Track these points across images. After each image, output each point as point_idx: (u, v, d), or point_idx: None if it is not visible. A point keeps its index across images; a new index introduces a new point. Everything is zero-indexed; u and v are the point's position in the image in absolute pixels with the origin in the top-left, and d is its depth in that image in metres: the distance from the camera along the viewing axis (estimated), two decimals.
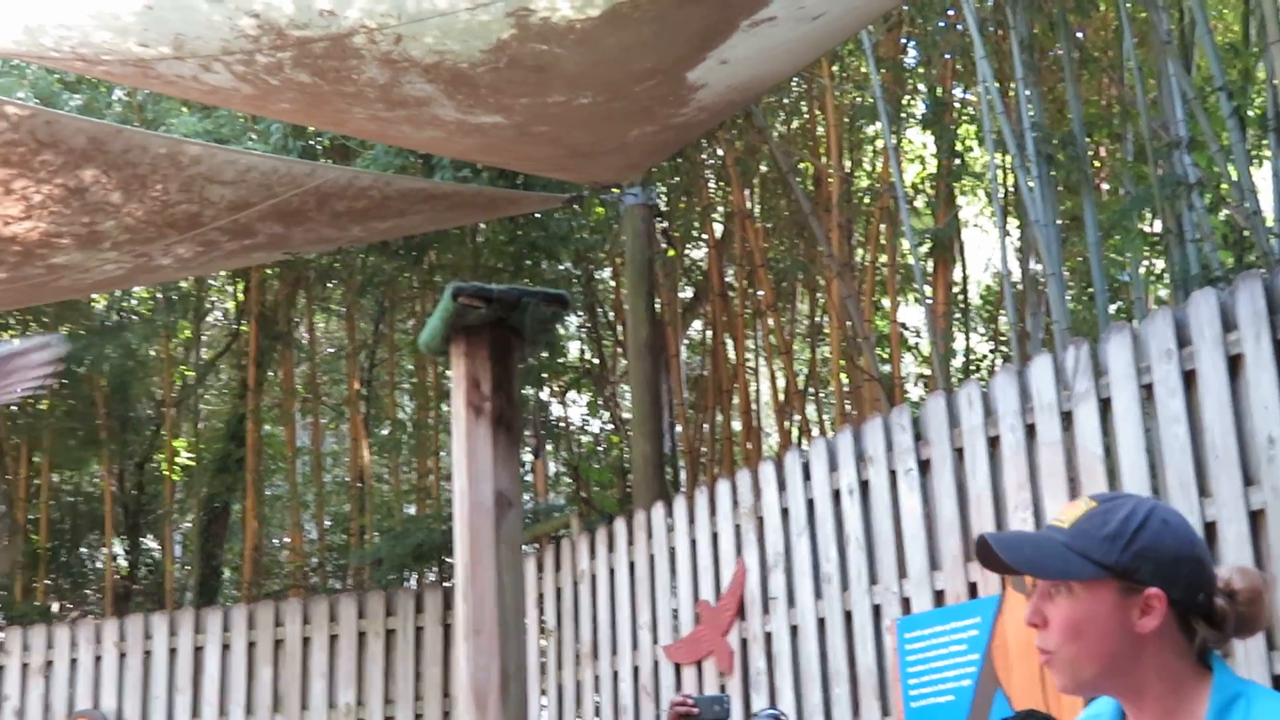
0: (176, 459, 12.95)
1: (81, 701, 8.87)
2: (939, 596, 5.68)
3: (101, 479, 12.96)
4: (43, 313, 11.50)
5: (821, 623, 6.23)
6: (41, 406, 12.31)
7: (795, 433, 12.20)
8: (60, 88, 9.32)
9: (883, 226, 11.30)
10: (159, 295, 12.32)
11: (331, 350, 14.29)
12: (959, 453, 5.69)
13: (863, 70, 10.87)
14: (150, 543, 13.89)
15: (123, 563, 13.37)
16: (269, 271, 11.56)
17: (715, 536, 6.95)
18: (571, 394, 13.87)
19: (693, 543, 7.10)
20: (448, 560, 11.07)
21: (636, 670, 7.44)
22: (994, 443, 5.54)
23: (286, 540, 13.67)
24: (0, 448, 12.41)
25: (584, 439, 13.97)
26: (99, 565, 13.44)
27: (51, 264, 7.22)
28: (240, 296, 12.59)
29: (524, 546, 6.01)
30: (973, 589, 5.50)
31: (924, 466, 5.84)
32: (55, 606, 13.20)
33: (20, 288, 7.54)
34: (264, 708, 8.76)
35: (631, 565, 7.57)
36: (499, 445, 4.80)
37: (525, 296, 4.77)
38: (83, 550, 14.17)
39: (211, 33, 5.16)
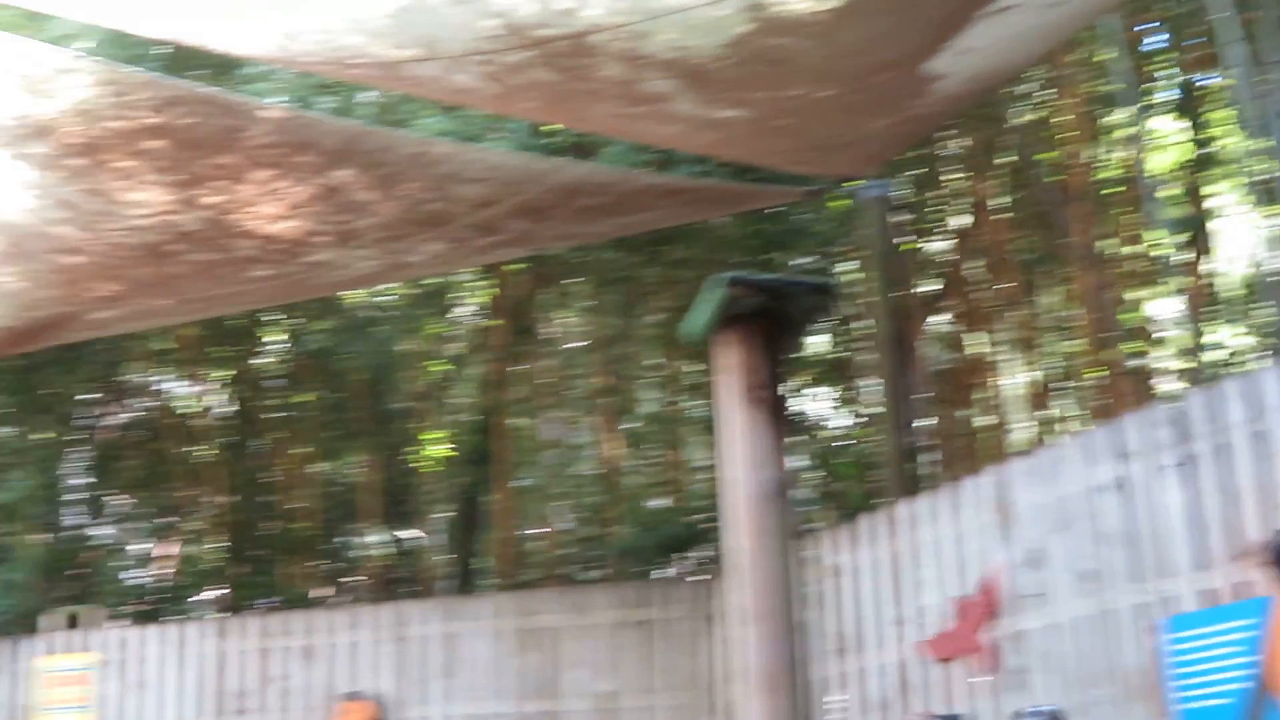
0: (431, 451, 13.33)
1: (345, 685, 9.19)
2: (1207, 595, 5.45)
3: (361, 469, 13.42)
4: (302, 308, 11.95)
5: (1079, 621, 6.04)
6: (304, 399, 12.82)
7: (1045, 427, 11.85)
8: (313, 91, 9.65)
9: (1130, 216, 10.87)
10: (407, 292, 12.69)
11: (577, 345, 14.49)
12: (1222, 448, 5.43)
13: (1099, 59, 10.45)
14: (407, 531, 14.31)
15: (383, 550, 13.82)
16: (515, 267, 11.79)
17: (965, 532, 6.81)
18: (814, 387, 13.77)
19: (942, 538, 6.97)
20: (695, 553, 11.11)
21: (892, 665, 7.34)
22: (1259, 438, 5.27)
23: (538, 530, 13.93)
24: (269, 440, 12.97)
25: (825, 432, 13.86)
26: (359, 553, 13.92)
27: (310, 261, 7.48)
28: (490, 292, 12.88)
29: None
30: (1242, 588, 5.24)
31: (1186, 462, 5.60)
32: (322, 591, 13.72)
33: (282, 284, 7.84)
34: (522, 695, 8.92)
35: (885, 560, 7.47)
36: (775, 434, 4.82)
37: (793, 286, 4.80)
38: (344, 538, 14.73)
39: (457, 34, 5.26)
